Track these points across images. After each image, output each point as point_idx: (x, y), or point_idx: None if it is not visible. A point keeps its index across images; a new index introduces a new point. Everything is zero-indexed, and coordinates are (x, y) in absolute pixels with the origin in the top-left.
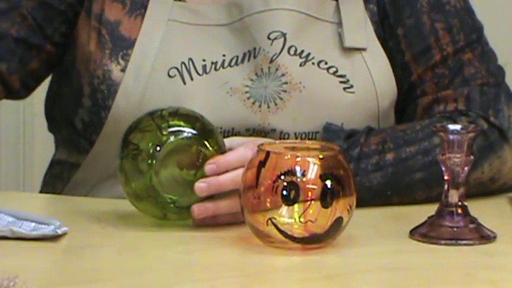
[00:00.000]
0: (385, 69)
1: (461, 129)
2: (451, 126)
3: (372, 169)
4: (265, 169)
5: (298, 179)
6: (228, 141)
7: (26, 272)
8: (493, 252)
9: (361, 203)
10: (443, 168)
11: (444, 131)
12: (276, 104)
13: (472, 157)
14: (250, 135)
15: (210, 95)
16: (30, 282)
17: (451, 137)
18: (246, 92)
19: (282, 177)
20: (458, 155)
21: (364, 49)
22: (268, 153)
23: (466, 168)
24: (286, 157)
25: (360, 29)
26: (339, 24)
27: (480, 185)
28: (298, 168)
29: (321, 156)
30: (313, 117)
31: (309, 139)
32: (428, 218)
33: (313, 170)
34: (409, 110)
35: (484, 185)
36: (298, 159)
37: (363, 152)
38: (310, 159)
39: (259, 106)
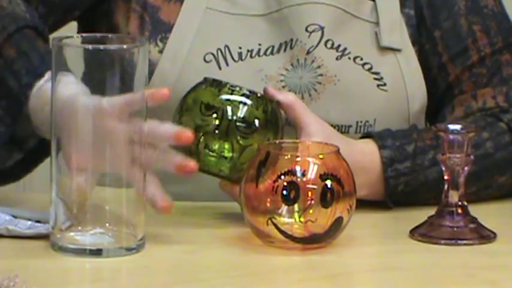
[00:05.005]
0: (416, 74)
1: (461, 129)
2: (451, 126)
3: (429, 164)
4: (265, 169)
5: (298, 179)
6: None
7: (26, 272)
8: (493, 252)
9: (412, 198)
10: (443, 168)
11: (444, 131)
12: (310, 95)
13: (471, 157)
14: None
15: (245, 80)
16: (30, 282)
17: (451, 137)
18: (281, 81)
19: (282, 177)
20: (458, 155)
21: (398, 50)
22: (268, 153)
23: (466, 168)
24: (286, 157)
25: (396, 30)
26: (376, 23)
27: None
28: (298, 168)
29: (321, 156)
30: (346, 111)
31: (342, 132)
32: (428, 218)
33: (313, 170)
34: (447, 109)
35: None
36: (298, 159)
37: (418, 147)
38: (310, 159)
39: None
